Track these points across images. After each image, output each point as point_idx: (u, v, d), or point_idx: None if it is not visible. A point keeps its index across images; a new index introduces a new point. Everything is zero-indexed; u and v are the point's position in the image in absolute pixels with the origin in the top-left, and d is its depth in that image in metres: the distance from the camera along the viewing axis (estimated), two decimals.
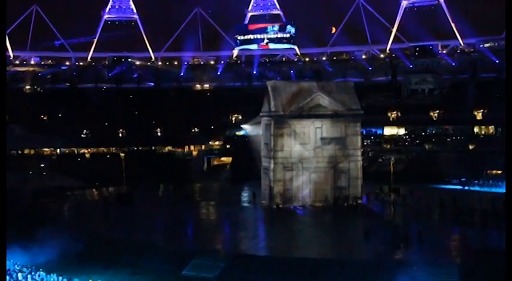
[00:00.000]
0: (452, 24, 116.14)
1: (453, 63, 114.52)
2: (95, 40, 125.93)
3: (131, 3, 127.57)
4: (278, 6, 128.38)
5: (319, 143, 63.02)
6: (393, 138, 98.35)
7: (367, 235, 47.11)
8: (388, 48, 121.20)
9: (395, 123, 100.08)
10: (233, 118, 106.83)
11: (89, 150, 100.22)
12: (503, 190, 60.73)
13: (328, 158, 62.96)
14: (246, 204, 67.41)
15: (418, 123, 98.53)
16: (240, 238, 49.42)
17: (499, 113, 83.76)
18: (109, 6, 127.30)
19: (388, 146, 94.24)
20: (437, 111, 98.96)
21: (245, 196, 72.15)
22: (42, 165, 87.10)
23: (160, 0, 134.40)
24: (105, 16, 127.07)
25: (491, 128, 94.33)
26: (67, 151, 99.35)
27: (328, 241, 48.79)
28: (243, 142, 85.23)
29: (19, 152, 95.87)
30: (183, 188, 78.06)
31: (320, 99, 63.42)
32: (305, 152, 62.92)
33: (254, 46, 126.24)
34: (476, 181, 76.35)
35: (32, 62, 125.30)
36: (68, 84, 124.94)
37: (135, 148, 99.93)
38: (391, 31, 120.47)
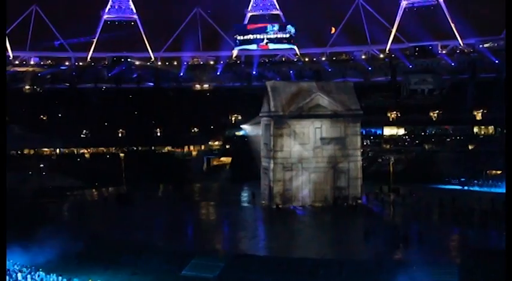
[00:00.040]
0: (452, 25, 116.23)
1: (453, 64, 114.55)
2: (95, 40, 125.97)
3: (131, 3, 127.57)
4: (278, 7, 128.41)
5: (319, 143, 63.02)
6: (393, 138, 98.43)
7: (366, 235, 47.12)
8: (387, 49, 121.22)
9: (395, 123, 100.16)
10: (233, 118, 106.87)
11: (89, 150, 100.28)
12: (502, 190, 60.72)
13: (328, 158, 62.96)
14: (245, 204, 67.44)
15: (418, 124, 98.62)
16: (240, 238, 49.42)
17: (498, 113, 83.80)
18: (108, 6, 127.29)
19: (388, 146, 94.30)
20: (437, 111, 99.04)
21: (245, 196, 72.17)
22: (42, 165, 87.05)
23: (160, 0, 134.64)
24: (105, 16, 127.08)
25: (491, 128, 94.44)
26: (67, 151, 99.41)
27: (328, 241, 48.80)
28: (243, 142, 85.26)
29: (19, 152, 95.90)
30: (183, 188, 77.99)
31: (320, 99, 63.44)
32: (305, 152, 62.92)
33: (253, 46, 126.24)
34: (475, 181, 76.35)
35: (32, 62, 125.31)
36: (68, 84, 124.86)
37: (135, 148, 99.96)
38: (391, 31, 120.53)
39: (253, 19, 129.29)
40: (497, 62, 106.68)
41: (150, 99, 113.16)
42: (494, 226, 48.85)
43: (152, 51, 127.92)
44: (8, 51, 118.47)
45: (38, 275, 36.58)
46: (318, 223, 56.54)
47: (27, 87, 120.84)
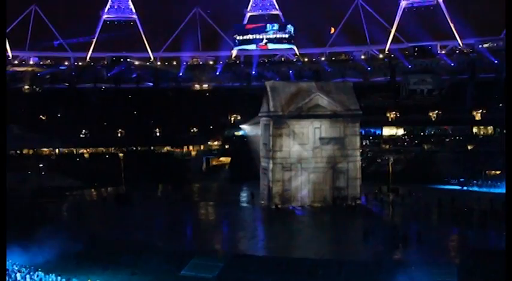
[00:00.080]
0: (451, 25, 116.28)
1: (452, 64, 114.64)
2: (94, 40, 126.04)
3: (130, 3, 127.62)
4: (277, 7, 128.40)
5: (318, 143, 63.02)
6: (392, 138, 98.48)
7: (366, 235, 47.14)
8: (387, 49, 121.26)
9: (394, 123, 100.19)
10: (232, 118, 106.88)
11: (88, 150, 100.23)
12: (501, 190, 60.92)
13: (327, 159, 62.97)
14: (244, 204, 67.41)
15: (417, 124, 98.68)
16: (239, 238, 49.44)
17: (497, 113, 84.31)
18: (108, 6, 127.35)
19: (387, 147, 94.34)
20: (436, 111, 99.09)
21: (244, 196, 72.18)
22: (41, 165, 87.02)
23: (159, 0, 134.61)
24: (104, 16, 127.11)
25: (490, 129, 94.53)
26: (66, 151, 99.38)
27: (327, 241, 48.83)
28: (242, 142, 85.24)
29: (18, 152, 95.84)
30: (182, 188, 77.92)
31: (319, 99, 63.44)
32: (304, 152, 62.92)
33: (252, 46, 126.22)
34: (475, 181, 76.40)
35: (31, 62, 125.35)
36: (67, 84, 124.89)
37: (134, 148, 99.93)
38: (390, 31, 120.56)
39: (253, 19, 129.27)
40: (496, 62, 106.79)
41: (149, 99, 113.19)
42: (494, 226, 48.87)
43: (151, 51, 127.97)
44: (7, 51, 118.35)
45: (37, 276, 36.59)
46: (317, 223, 56.55)
47: (26, 87, 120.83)
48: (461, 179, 77.09)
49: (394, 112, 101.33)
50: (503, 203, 45.37)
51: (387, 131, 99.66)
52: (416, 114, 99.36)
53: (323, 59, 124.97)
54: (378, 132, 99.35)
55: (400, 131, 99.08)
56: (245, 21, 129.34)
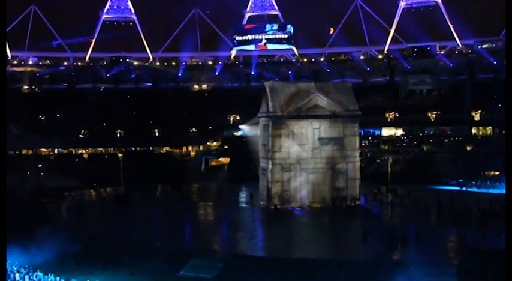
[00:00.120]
0: (450, 25, 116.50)
1: (451, 64, 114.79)
2: (93, 40, 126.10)
3: (129, 3, 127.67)
4: (276, 7, 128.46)
5: (317, 143, 62.98)
6: (391, 139, 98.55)
7: (365, 235, 47.13)
8: (386, 49, 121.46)
9: (393, 124, 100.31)
10: (231, 119, 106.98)
11: (87, 150, 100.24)
12: (500, 190, 61.05)
13: (326, 159, 62.93)
14: (243, 205, 67.37)
15: (416, 124, 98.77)
16: (238, 239, 49.39)
17: (496, 114, 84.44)
18: (107, 6, 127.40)
19: (386, 147, 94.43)
20: (435, 112, 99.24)
21: (243, 196, 72.10)
22: (40, 165, 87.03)
23: (159, 0, 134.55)
24: (103, 16, 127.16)
25: (489, 129, 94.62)
26: (65, 151, 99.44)
27: (326, 241, 48.75)
28: (241, 143, 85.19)
29: (17, 152, 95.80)
30: (181, 188, 77.92)
31: (318, 100, 63.42)
32: (303, 152, 62.88)
33: (251, 47, 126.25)
34: (473, 182, 76.37)
35: (30, 62, 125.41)
36: (66, 84, 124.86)
37: (133, 149, 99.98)
38: (389, 32, 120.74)
39: (252, 19, 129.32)
40: (495, 62, 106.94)
41: (148, 100, 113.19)
42: (492, 226, 48.85)
43: (151, 52, 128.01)
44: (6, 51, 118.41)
45: (36, 276, 36.59)
46: (316, 223, 56.46)
47: (25, 87, 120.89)
48: (460, 180, 77.08)
49: (393, 113, 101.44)
50: (502, 203, 45.39)
51: (386, 131, 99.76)
52: (415, 114, 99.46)
53: (322, 59, 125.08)
54: (377, 132, 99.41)
55: (399, 132, 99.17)
56: (244, 22, 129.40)
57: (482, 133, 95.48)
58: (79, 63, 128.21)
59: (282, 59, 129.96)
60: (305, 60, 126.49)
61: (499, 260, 33.88)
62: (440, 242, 46.31)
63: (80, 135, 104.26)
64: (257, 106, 68.33)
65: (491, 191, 70.56)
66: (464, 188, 74.96)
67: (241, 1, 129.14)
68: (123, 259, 42.93)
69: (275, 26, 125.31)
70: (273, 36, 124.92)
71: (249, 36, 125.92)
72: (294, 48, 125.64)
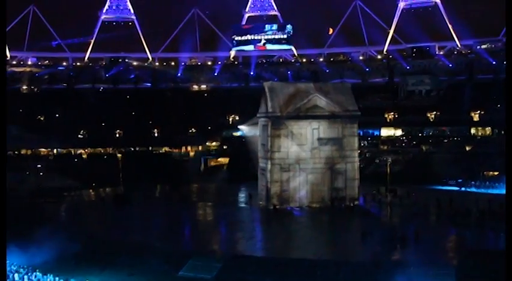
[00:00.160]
0: (449, 26, 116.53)
1: (450, 65, 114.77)
2: (92, 40, 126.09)
3: (128, 3, 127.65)
4: (275, 7, 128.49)
5: (316, 144, 63.00)
6: (390, 139, 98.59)
7: (364, 235, 47.18)
8: (385, 50, 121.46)
9: (392, 124, 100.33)
10: (230, 119, 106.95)
11: (86, 150, 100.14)
12: (499, 191, 61.10)
13: (325, 159, 62.94)
14: (242, 205, 67.40)
15: (415, 125, 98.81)
16: (237, 239, 49.37)
17: (495, 114, 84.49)
18: (106, 6, 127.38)
19: (385, 147, 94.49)
20: (434, 112, 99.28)
21: (242, 196, 72.11)
22: (39, 165, 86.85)
23: (158, 0, 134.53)
24: (103, 16, 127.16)
25: (488, 130, 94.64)
26: (64, 152, 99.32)
27: (325, 241, 48.81)
28: (240, 143, 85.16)
29: (16, 152, 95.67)
30: (180, 188, 77.88)
31: (317, 100, 63.43)
32: (302, 153, 62.89)
33: (251, 47, 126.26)
34: (472, 182, 76.42)
35: (29, 63, 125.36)
36: (65, 84, 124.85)
37: (132, 149, 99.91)
38: (388, 32, 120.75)
39: (251, 20, 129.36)
40: (494, 63, 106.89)
41: (147, 100, 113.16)
42: (492, 226, 48.88)
43: (150, 52, 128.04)
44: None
45: (35, 276, 36.59)
46: (315, 223, 56.51)
47: (24, 87, 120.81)
48: (459, 180, 77.12)
49: (392, 113, 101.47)
50: (501, 203, 45.45)
51: (385, 132, 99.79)
52: (414, 115, 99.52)
53: (321, 59, 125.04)
54: (376, 133, 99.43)
55: (398, 132, 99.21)
56: (243, 22, 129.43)
57: (481, 133, 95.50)
58: (78, 64, 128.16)
59: (281, 60, 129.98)
60: (304, 60, 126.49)
61: (498, 260, 33.89)
62: (439, 242, 46.33)
63: (79, 136, 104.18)
64: (256, 106, 68.33)
65: (490, 191, 70.66)
66: (463, 189, 75.03)
67: (240, 1, 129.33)
68: (122, 259, 42.87)
69: (274, 26, 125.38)
70: (272, 37, 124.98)
71: (248, 37, 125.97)
72: (293, 49, 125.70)
